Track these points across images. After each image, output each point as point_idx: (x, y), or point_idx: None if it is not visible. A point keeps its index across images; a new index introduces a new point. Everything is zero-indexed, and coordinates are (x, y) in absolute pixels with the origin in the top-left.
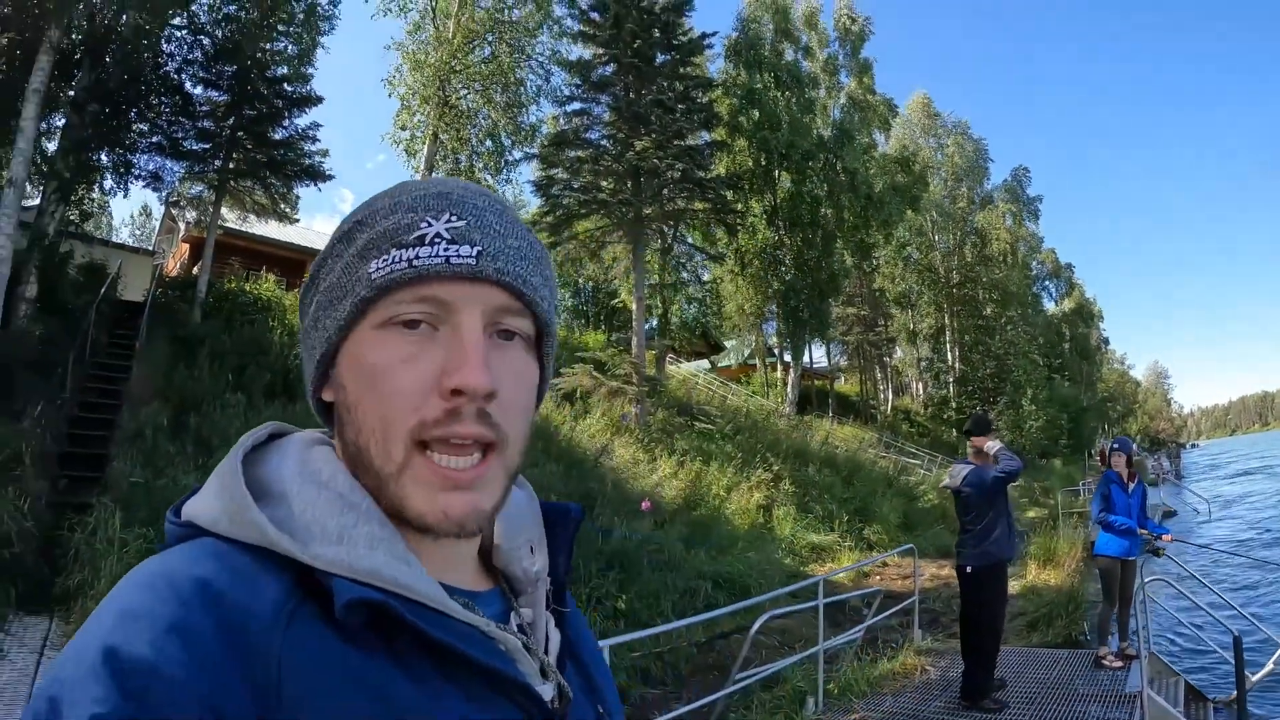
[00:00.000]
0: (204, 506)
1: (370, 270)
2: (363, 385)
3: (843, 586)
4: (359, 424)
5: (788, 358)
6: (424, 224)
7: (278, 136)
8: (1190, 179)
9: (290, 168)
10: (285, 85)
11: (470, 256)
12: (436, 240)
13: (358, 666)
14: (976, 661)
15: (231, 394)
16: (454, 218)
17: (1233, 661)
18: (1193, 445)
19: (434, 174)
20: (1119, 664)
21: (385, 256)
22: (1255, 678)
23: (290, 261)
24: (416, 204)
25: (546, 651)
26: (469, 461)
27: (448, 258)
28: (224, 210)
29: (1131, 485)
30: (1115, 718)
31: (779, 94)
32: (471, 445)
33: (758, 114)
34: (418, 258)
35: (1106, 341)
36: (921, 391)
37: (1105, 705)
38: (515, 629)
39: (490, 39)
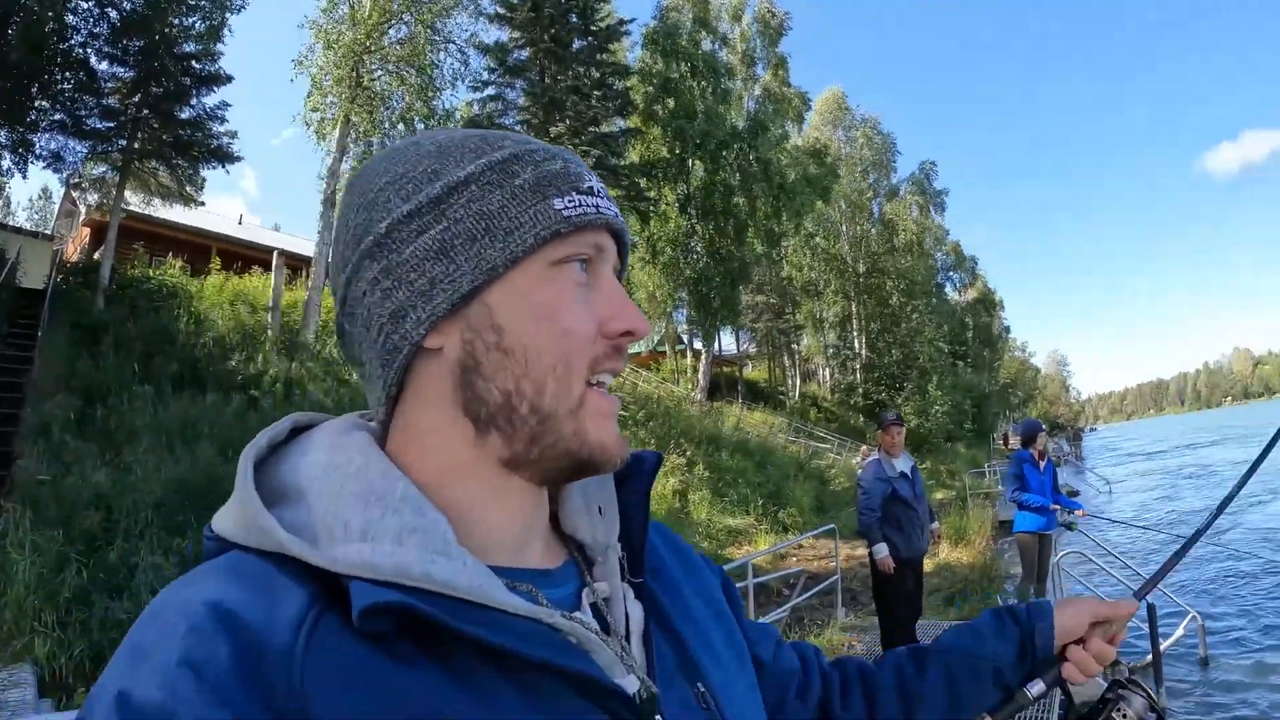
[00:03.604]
0: (225, 516)
1: (558, 206)
2: (539, 322)
3: (763, 569)
4: (526, 364)
5: (698, 344)
6: (586, 176)
7: (185, 116)
8: (1093, 175)
9: (197, 148)
10: (194, 62)
11: (615, 214)
12: (599, 193)
13: (395, 679)
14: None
15: (139, 385)
16: (591, 177)
17: (1145, 629)
18: (1091, 429)
19: (344, 158)
20: None
21: (569, 198)
22: (1167, 643)
23: (196, 246)
24: (570, 157)
25: (627, 632)
26: None
27: (614, 212)
28: (128, 193)
29: (1042, 464)
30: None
31: (695, 83)
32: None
33: (673, 102)
34: (599, 206)
35: (1008, 330)
36: (829, 378)
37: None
38: (589, 609)
39: (407, 19)
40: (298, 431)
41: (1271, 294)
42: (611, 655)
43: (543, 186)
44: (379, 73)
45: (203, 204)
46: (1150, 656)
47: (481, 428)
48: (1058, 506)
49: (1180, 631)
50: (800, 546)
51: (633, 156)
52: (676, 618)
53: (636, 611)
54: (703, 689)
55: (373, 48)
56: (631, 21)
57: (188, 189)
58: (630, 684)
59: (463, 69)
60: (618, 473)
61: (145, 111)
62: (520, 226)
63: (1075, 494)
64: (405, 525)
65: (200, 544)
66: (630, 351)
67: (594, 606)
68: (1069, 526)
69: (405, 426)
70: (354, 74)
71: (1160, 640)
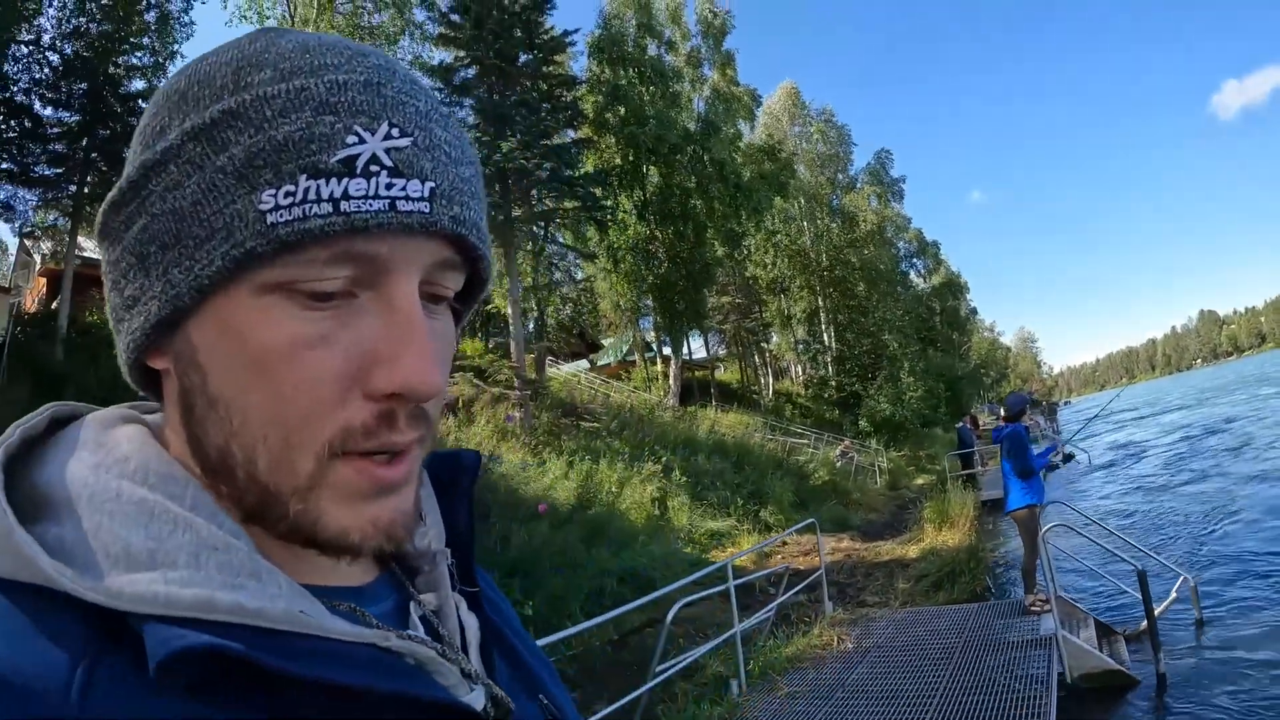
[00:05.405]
0: None
1: (263, 206)
2: (243, 373)
3: (746, 569)
4: (233, 424)
5: (667, 351)
6: (352, 137)
7: None
8: (1050, 150)
9: None
10: (140, 102)
11: (423, 199)
12: (374, 169)
13: None
14: None
15: None
16: (394, 130)
17: (1138, 595)
18: (1065, 403)
19: None
20: (1049, 606)
21: (290, 187)
22: (1161, 608)
23: None
24: (336, 99)
25: (464, 646)
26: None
27: (393, 200)
28: (81, 239)
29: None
30: (1036, 661)
31: (644, 89)
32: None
33: (623, 109)
34: (348, 198)
35: (975, 312)
36: (801, 374)
37: (1024, 650)
38: (419, 623)
39: None
40: (59, 425)
41: (1233, 254)
42: (455, 673)
43: (253, 169)
44: None
45: None
46: (1145, 624)
47: (209, 476)
48: (1058, 454)
49: (1173, 595)
50: (784, 544)
51: (587, 167)
52: (505, 630)
53: (472, 623)
54: (546, 701)
55: None
56: (576, 32)
57: None
58: (478, 699)
59: None
60: (438, 474)
61: (94, 155)
62: (213, 237)
63: (1071, 457)
64: (201, 542)
65: None
66: (600, 363)
67: (423, 620)
68: (1070, 456)
69: (169, 432)
70: None
71: (1154, 606)
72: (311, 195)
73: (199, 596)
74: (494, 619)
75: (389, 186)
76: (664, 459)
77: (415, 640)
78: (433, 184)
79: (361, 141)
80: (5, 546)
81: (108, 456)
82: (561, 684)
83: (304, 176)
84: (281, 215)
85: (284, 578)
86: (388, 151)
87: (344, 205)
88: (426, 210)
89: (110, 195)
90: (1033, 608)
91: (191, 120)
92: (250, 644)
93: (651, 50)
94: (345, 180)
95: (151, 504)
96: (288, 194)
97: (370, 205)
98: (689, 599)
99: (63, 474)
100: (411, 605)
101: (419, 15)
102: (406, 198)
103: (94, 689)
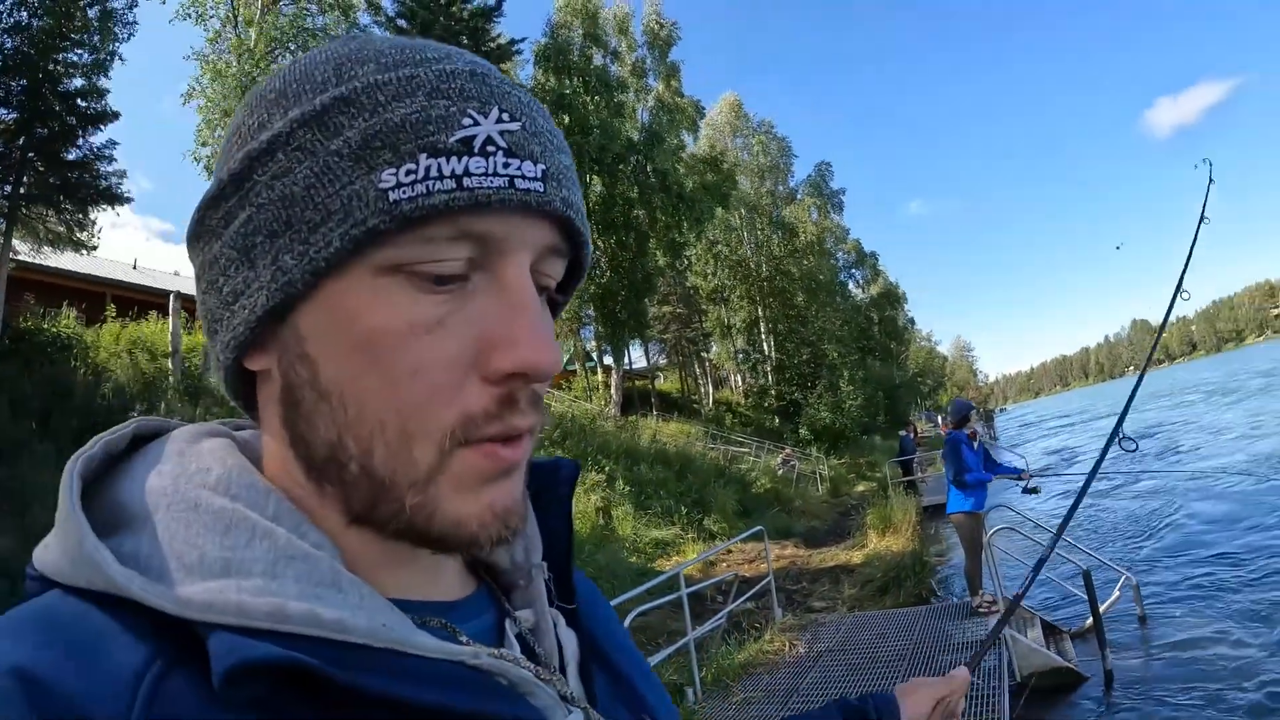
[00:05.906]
0: (47, 547)
1: (384, 185)
2: (358, 360)
3: (694, 577)
4: (346, 414)
5: (608, 360)
6: (467, 119)
7: (72, 157)
8: (989, 162)
9: (85, 190)
10: (79, 100)
11: (536, 178)
12: (491, 149)
13: None
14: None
15: (39, 443)
16: (505, 114)
17: (1083, 595)
18: (1001, 410)
19: None
20: (997, 607)
21: (411, 165)
22: (1105, 606)
23: (90, 295)
24: (447, 85)
25: (561, 664)
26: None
27: (511, 179)
28: (17, 241)
29: (975, 444)
30: (985, 661)
31: (589, 98)
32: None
33: (568, 119)
34: (469, 174)
35: (913, 321)
36: (741, 383)
37: (973, 650)
38: (515, 641)
39: (294, 47)
40: (140, 442)
41: (1165, 266)
42: (551, 695)
43: (371, 150)
44: None
45: (94, 248)
46: (1091, 621)
47: (313, 476)
48: (1023, 474)
49: (1116, 594)
50: (729, 552)
51: None
52: (608, 646)
53: (570, 641)
54: None
55: (260, 78)
56: (523, 41)
57: (79, 234)
58: None
59: None
60: (533, 484)
61: (31, 155)
62: (330, 218)
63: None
64: (280, 552)
65: None
66: None
67: (519, 638)
68: (1034, 490)
69: (266, 439)
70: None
71: (1099, 604)
72: (434, 173)
73: (273, 604)
74: (591, 630)
75: (506, 165)
76: (607, 469)
77: (507, 659)
78: (544, 166)
79: (476, 124)
80: (77, 554)
81: (189, 467)
82: (666, 696)
83: (424, 155)
84: (404, 192)
85: (368, 589)
86: (501, 134)
87: (466, 181)
88: (541, 189)
89: (207, 191)
90: (980, 609)
91: (298, 109)
92: (324, 658)
93: (597, 60)
94: (465, 158)
95: (230, 513)
96: (409, 172)
97: (491, 182)
98: (643, 608)
99: (143, 486)
100: (507, 622)
101: (364, 19)
102: (523, 176)
103: (157, 702)
